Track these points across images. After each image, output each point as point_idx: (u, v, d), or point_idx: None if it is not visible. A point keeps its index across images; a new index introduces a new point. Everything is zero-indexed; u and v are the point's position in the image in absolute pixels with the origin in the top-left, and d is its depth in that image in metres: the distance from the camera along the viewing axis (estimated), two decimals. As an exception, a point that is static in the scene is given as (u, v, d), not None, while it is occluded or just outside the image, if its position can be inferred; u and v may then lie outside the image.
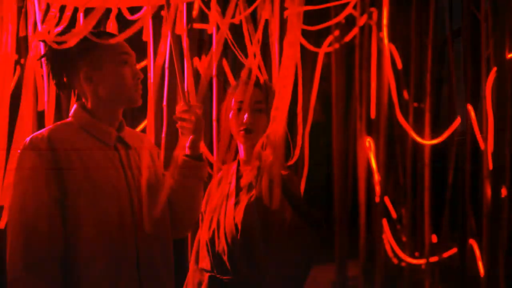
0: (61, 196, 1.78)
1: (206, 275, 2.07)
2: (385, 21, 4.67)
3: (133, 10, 2.76)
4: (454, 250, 4.75)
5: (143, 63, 3.45)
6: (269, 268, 1.91)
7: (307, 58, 4.75)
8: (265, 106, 2.05)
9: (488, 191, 3.93)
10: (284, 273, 1.90)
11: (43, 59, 1.99)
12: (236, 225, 1.99)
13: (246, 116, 2.04)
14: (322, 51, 4.72)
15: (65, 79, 1.92)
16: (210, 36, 3.33)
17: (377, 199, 4.65)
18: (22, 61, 4.10)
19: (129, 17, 2.70)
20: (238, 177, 2.12)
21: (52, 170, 1.78)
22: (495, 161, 3.30)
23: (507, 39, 3.25)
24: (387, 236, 4.89)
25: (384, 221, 4.78)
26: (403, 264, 4.79)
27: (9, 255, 1.75)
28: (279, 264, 1.89)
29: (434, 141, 4.56)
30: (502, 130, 3.31)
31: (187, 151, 1.98)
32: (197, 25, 2.73)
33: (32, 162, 1.77)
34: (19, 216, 1.76)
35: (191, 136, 1.95)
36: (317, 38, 4.85)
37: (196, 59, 3.69)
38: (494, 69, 3.88)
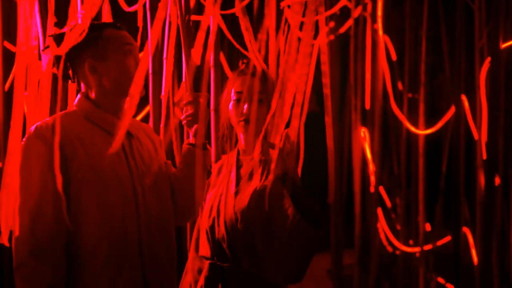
0: (65, 183, 1.80)
1: (206, 262, 2.09)
2: (379, 12, 4.71)
3: (130, 2, 2.77)
4: (448, 238, 4.80)
5: (140, 55, 3.46)
6: (269, 261, 1.93)
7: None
8: (265, 96, 2.07)
9: (482, 180, 3.98)
10: (284, 268, 1.92)
11: (44, 51, 2.00)
12: (236, 214, 2.01)
13: (246, 106, 2.06)
14: (317, 42, 4.74)
15: (69, 70, 1.94)
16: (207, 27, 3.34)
17: (372, 189, 4.69)
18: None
19: (126, 8, 2.71)
20: (238, 167, 2.13)
21: (56, 158, 1.80)
22: (488, 150, 3.35)
23: (501, 29, 3.28)
24: (382, 225, 4.94)
25: (379, 210, 4.83)
26: (397, 252, 4.85)
27: (15, 241, 1.78)
28: (279, 258, 1.91)
29: (428, 131, 4.61)
30: (495, 120, 3.34)
31: (191, 140, 2.01)
32: (194, 17, 2.73)
33: (37, 150, 1.80)
34: (24, 202, 1.78)
35: (195, 125, 1.98)
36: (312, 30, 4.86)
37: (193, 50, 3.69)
38: (488, 59, 3.91)
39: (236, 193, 2.06)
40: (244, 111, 2.05)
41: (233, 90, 2.11)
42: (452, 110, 4.51)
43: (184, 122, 2.03)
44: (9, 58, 4.04)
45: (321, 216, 1.87)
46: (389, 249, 4.98)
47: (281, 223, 1.86)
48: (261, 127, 2.08)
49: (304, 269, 1.90)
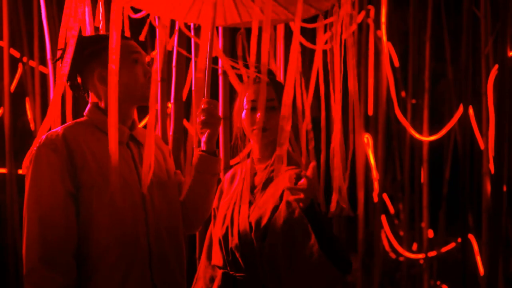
0: (75, 190, 1.82)
1: (219, 271, 2.08)
2: (383, 19, 4.71)
3: (136, 8, 2.76)
4: (452, 245, 4.80)
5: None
6: (291, 284, 1.91)
7: (305, 55, 4.78)
8: (277, 103, 2.06)
9: (488, 187, 3.98)
10: None
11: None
12: (250, 223, 2.00)
13: (259, 115, 2.06)
14: (319, 48, 4.73)
15: (79, 81, 1.95)
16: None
17: (376, 198, 4.68)
18: (24, 59, 4.09)
19: (132, 15, 2.71)
20: (252, 175, 2.13)
21: (67, 166, 1.81)
22: (495, 158, 3.35)
23: (508, 36, 3.29)
24: (385, 231, 4.94)
25: (383, 217, 4.82)
26: (401, 258, 4.84)
27: (26, 247, 1.79)
28: (301, 285, 1.90)
29: (432, 138, 4.60)
30: (500, 127, 3.35)
31: (203, 147, 2.01)
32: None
33: (47, 158, 1.80)
34: (35, 210, 1.79)
35: (207, 132, 1.98)
36: (314, 35, 4.87)
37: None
38: (496, 66, 3.92)
39: (251, 203, 2.05)
40: (258, 119, 2.05)
41: (245, 99, 2.11)
42: (456, 116, 4.51)
43: (198, 128, 2.04)
44: (13, 63, 4.04)
45: (347, 257, 1.86)
46: (392, 255, 4.98)
47: (307, 259, 1.85)
48: (275, 134, 2.08)
49: None
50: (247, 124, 2.09)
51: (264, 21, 1.68)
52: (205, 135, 2.01)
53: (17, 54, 4.13)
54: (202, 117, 2.00)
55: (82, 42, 1.93)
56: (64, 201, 1.79)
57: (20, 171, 3.83)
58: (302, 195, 1.78)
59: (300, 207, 1.83)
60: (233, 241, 2.03)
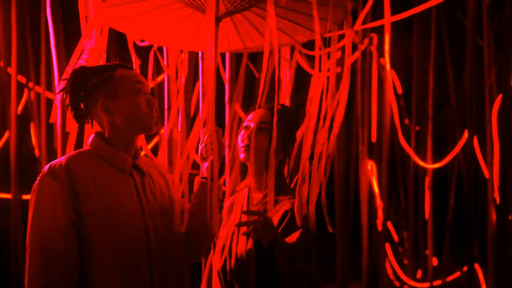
0: (77, 220, 1.82)
1: (220, 303, 2.07)
2: (386, 47, 4.75)
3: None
4: (457, 274, 4.76)
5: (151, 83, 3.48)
6: None
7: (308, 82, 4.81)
8: (269, 126, 2.07)
9: (493, 216, 3.97)
10: None
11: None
12: (247, 255, 1.99)
13: (249, 132, 2.08)
14: (322, 74, 4.76)
15: (83, 110, 1.96)
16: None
17: (379, 224, 4.65)
18: (30, 84, 4.12)
19: (139, 43, 2.74)
20: (249, 205, 2.12)
21: (69, 195, 1.81)
22: (500, 187, 3.35)
23: (511, 67, 3.30)
24: (390, 259, 4.91)
25: (387, 245, 4.80)
26: (405, 287, 4.80)
27: (28, 276, 1.78)
28: None
29: (436, 165, 4.60)
30: (505, 156, 3.35)
31: (204, 173, 2.02)
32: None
33: (50, 187, 1.81)
34: (37, 239, 1.79)
35: (209, 159, 1.99)
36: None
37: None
38: (500, 96, 3.94)
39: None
40: (246, 136, 2.08)
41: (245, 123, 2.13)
42: (460, 144, 4.51)
43: (200, 155, 2.05)
44: (19, 88, 4.07)
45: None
46: (397, 283, 4.94)
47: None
48: (261, 156, 2.09)
49: None
50: (238, 142, 2.11)
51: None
52: (207, 162, 2.02)
53: (23, 80, 4.16)
54: (205, 144, 2.01)
55: (86, 72, 1.96)
56: (65, 230, 1.79)
57: (24, 197, 3.84)
58: (260, 233, 1.84)
59: (262, 245, 1.87)
60: (231, 273, 2.02)
